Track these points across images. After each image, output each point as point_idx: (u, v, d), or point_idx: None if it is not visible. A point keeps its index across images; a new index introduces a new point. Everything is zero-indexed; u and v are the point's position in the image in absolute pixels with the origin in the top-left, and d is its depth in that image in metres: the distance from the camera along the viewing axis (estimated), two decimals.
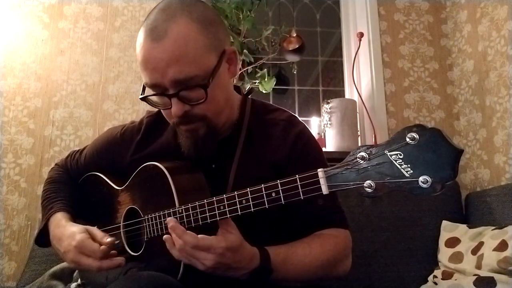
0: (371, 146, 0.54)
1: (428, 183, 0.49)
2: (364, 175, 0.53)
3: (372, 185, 0.52)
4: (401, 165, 0.51)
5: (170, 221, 0.71)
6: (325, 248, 0.83)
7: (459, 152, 0.48)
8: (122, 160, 0.96)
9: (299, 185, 0.59)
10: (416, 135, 0.50)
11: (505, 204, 1.52)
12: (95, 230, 0.83)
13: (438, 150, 0.49)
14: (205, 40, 0.75)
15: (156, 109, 0.98)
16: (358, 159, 0.54)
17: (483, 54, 1.92)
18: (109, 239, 0.79)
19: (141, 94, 0.82)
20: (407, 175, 0.50)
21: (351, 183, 0.54)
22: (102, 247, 0.78)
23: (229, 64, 0.83)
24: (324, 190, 0.57)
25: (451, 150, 0.48)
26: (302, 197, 0.58)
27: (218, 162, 0.88)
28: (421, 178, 0.49)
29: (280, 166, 0.86)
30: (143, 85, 0.80)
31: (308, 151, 0.90)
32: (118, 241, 0.84)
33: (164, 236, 0.72)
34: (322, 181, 0.57)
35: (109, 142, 1.01)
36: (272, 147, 0.88)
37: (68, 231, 0.83)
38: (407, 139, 0.50)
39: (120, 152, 0.97)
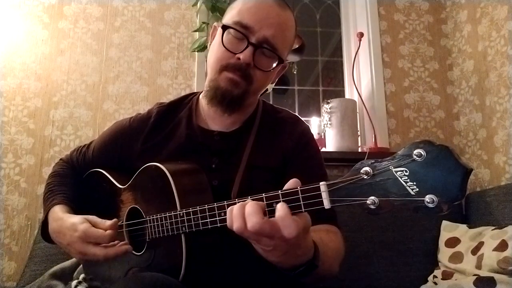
0: (376, 161, 0.52)
1: (435, 202, 0.46)
2: (368, 191, 0.51)
3: (376, 201, 0.50)
4: (406, 182, 0.48)
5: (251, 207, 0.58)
6: (338, 241, 0.83)
7: (468, 171, 0.46)
8: (132, 149, 0.96)
9: (300, 197, 0.57)
10: (423, 152, 0.48)
11: (505, 204, 1.52)
12: (94, 218, 0.82)
13: (445, 168, 0.46)
14: (293, 40, 0.93)
15: (168, 101, 1.02)
16: (362, 174, 0.52)
17: (483, 54, 1.92)
18: (111, 222, 0.78)
19: (222, 33, 0.85)
20: (412, 193, 0.48)
21: (354, 198, 0.52)
22: (108, 231, 0.77)
23: (278, 72, 0.95)
24: (326, 204, 0.55)
25: (460, 169, 0.46)
26: (303, 209, 0.56)
27: (227, 153, 0.91)
28: (427, 198, 0.47)
29: (286, 157, 0.92)
30: (223, 26, 0.86)
31: (311, 146, 0.97)
32: (121, 221, 0.82)
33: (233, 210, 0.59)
34: (324, 195, 0.55)
35: (118, 132, 1.01)
36: (280, 140, 0.94)
37: (68, 223, 0.82)
38: (414, 156, 0.48)
39: (130, 141, 0.97)
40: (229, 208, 0.60)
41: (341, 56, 2.35)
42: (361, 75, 2.22)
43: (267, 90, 1.94)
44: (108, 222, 0.78)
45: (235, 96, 0.85)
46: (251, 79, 0.84)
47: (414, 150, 0.48)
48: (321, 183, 0.56)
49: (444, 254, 1.50)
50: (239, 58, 0.82)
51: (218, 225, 0.68)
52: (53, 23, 1.97)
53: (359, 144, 2.08)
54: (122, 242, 0.79)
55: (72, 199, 0.96)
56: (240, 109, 0.90)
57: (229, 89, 0.84)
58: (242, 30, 0.82)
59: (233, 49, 0.83)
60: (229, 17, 0.87)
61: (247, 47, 0.82)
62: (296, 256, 0.61)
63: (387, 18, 2.22)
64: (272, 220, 0.55)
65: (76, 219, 0.82)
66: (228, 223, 0.60)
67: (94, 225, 0.80)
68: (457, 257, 1.43)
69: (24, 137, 1.82)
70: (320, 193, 0.55)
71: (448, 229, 1.57)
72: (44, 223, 0.92)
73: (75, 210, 0.93)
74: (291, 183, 0.59)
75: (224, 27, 0.84)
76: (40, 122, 1.85)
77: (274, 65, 0.85)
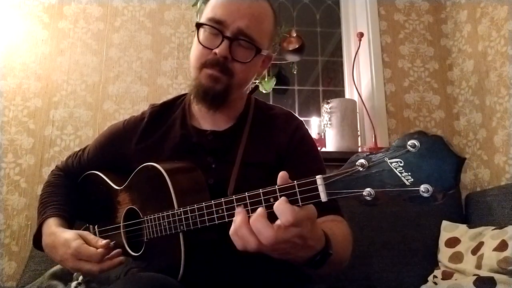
0: (371, 153, 0.52)
1: (429, 192, 0.47)
2: (364, 183, 0.51)
3: (372, 193, 0.51)
4: (401, 173, 0.49)
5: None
6: (345, 228, 0.83)
7: (461, 160, 0.47)
8: (126, 150, 0.96)
9: (297, 191, 0.57)
10: (417, 142, 0.48)
11: (505, 204, 1.51)
12: (87, 234, 0.83)
13: (439, 158, 0.47)
14: (273, 29, 0.91)
15: (161, 102, 1.02)
16: (357, 166, 0.52)
17: (483, 54, 1.92)
18: (103, 242, 0.79)
19: (197, 31, 0.86)
20: (407, 183, 0.48)
21: (350, 190, 0.53)
22: (99, 250, 0.77)
23: (263, 64, 0.94)
24: (323, 197, 0.55)
25: (453, 158, 0.47)
26: (300, 203, 0.57)
27: (221, 152, 0.90)
28: (422, 187, 0.48)
29: (281, 153, 0.91)
30: (197, 24, 0.88)
31: (306, 141, 0.96)
32: (114, 242, 0.83)
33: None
34: (321, 188, 0.55)
35: (113, 134, 1.02)
36: (274, 136, 0.93)
37: (61, 239, 0.82)
38: (408, 146, 0.49)
39: (124, 142, 0.97)
40: (232, 231, 0.60)
41: (341, 56, 2.35)
42: (361, 75, 2.22)
43: (257, 87, 1.94)
44: (100, 242, 0.79)
45: (217, 91, 0.85)
46: (231, 73, 0.84)
47: (408, 141, 0.49)
48: (317, 176, 0.56)
49: (444, 254, 1.50)
50: (216, 53, 0.82)
51: (216, 222, 0.68)
52: (53, 23, 1.97)
53: (359, 144, 2.08)
54: (115, 251, 0.79)
55: (65, 209, 0.95)
56: (225, 105, 0.89)
57: (210, 85, 0.84)
58: (216, 25, 0.83)
59: (209, 45, 0.84)
60: (204, 15, 0.88)
61: (222, 41, 0.82)
62: (308, 248, 0.61)
63: (387, 18, 2.22)
64: (280, 224, 0.56)
65: (69, 235, 0.82)
66: (239, 246, 0.59)
67: (86, 242, 0.80)
68: (457, 257, 1.43)
69: (24, 137, 1.82)
70: (317, 187, 0.56)
71: (448, 229, 1.57)
72: (37, 235, 0.92)
73: (69, 221, 0.93)
74: (279, 177, 0.60)
75: (198, 25, 0.86)
76: (40, 122, 1.85)
77: (253, 55, 0.85)
